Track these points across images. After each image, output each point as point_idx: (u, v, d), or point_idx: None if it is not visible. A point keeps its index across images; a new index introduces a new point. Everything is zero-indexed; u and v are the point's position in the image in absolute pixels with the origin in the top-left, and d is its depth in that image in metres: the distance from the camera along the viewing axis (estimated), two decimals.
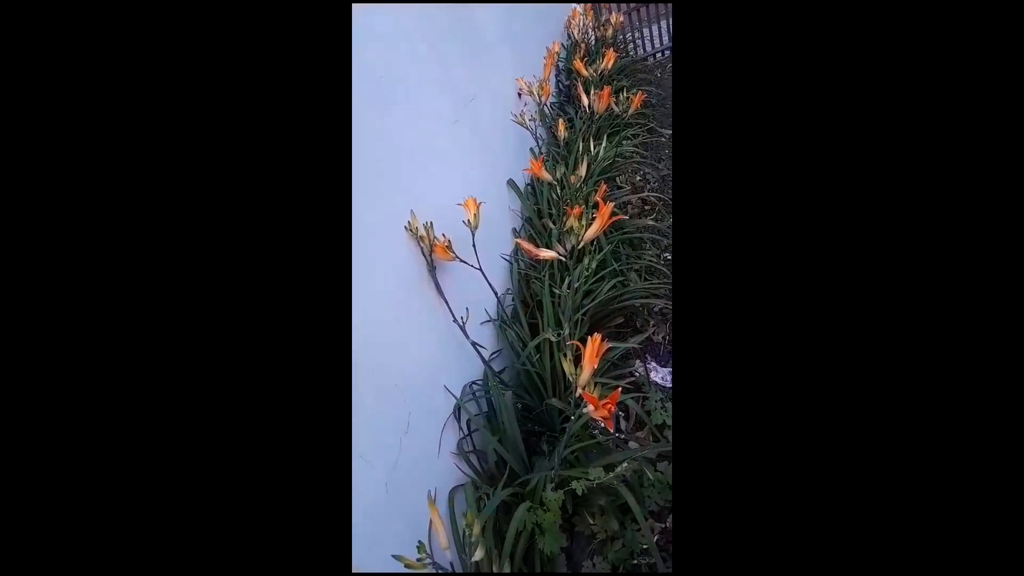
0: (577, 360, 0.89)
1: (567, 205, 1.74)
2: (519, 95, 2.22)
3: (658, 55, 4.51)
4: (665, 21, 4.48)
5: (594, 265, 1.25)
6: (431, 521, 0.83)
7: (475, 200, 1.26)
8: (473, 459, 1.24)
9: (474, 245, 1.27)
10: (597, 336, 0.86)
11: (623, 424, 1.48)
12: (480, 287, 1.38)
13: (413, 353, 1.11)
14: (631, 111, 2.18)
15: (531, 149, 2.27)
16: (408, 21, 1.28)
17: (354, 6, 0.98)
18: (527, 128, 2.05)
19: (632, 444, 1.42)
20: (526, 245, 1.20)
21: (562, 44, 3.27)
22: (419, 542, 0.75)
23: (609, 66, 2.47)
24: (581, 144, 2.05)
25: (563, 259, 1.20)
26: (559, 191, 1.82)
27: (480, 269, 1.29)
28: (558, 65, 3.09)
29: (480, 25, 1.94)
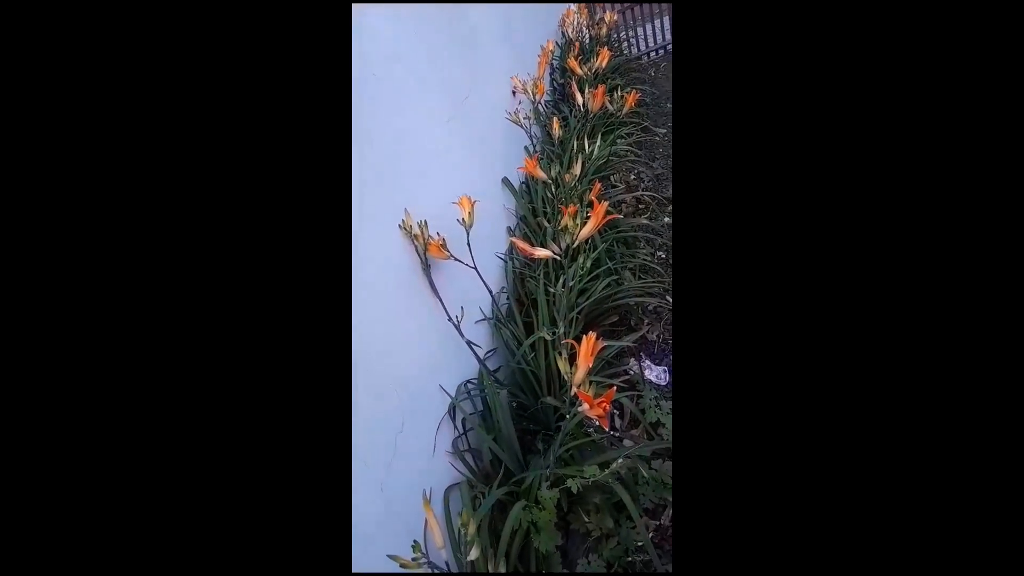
0: (572, 359, 0.89)
1: (562, 204, 1.74)
2: (514, 93, 2.22)
3: (652, 54, 4.52)
4: (659, 20, 4.48)
5: (589, 264, 1.26)
6: (426, 520, 0.83)
7: (469, 198, 1.25)
8: (468, 458, 1.24)
9: (469, 243, 1.26)
10: (592, 335, 0.86)
11: (618, 422, 1.49)
12: (475, 286, 1.38)
13: (408, 352, 1.10)
14: (625, 110, 2.19)
15: (526, 147, 2.27)
16: (403, 20, 1.28)
17: (356, 4, 0.97)
18: (522, 126, 2.05)
19: (627, 442, 1.43)
20: (521, 244, 1.20)
21: (556, 43, 3.27)
22: (414, 541, 0.75)
23: (603, 65, 2.47)
24: (576, 143, 2.05)
25: (558, 258, 1.20)
26: (554, 189, 1.82)
27: (475, 268, 1.29)
28: (552, 64, 3.09)
29: (475, 24, 1.93)
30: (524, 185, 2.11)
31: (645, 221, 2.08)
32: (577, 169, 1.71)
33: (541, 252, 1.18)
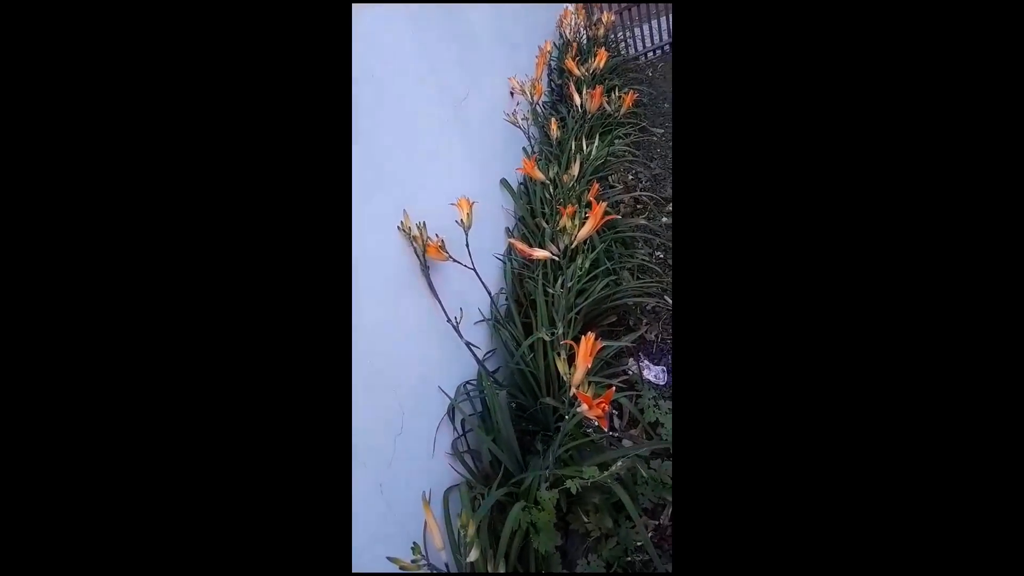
0: (571, 359, 0.89)
1: (560, 204, 1.74)
2: (511, 94, 2.22)
3: (649, 54, 4.53)
4: (656, 21, 4.49)
5: (587, 264, 1.26)
6: (426, 522, 0.83)
7: (468, 200, 1.26)
8: (467, 459, 1.24)
9: (467, 245, 1.27)
10: (591, 335, 0.86)
11: (616, 422, 1.49)
12: (474, 287, 1.38)
13: (407, 353, 1.10)
14: (623, 110, 2.19)
15: (524, 148, 2.27)
16: (402, 21, 1.28)
17: (353, 6, 0.97)
18: (520, 127, 2.05)
19: (626, 442, 1.43)
20: (520, 245, 1.20)
21: (554, 43, 3.27)
22: (414, 543, 0.75)
23: (601, 65, 2.47)
24: (573, 143, 2.05)
25: (556, 258, 1.20)
26: (552, 190, 1.82)
27: (473, 269, 1.29)
28: (550, 64, 3.09)
29: (473, 24, 1.93)
30: (522, 186, 2.12)
31: (643, 221, 2.09)
32: (575, 170, 1.71)
33: (540, 253, 1.18)
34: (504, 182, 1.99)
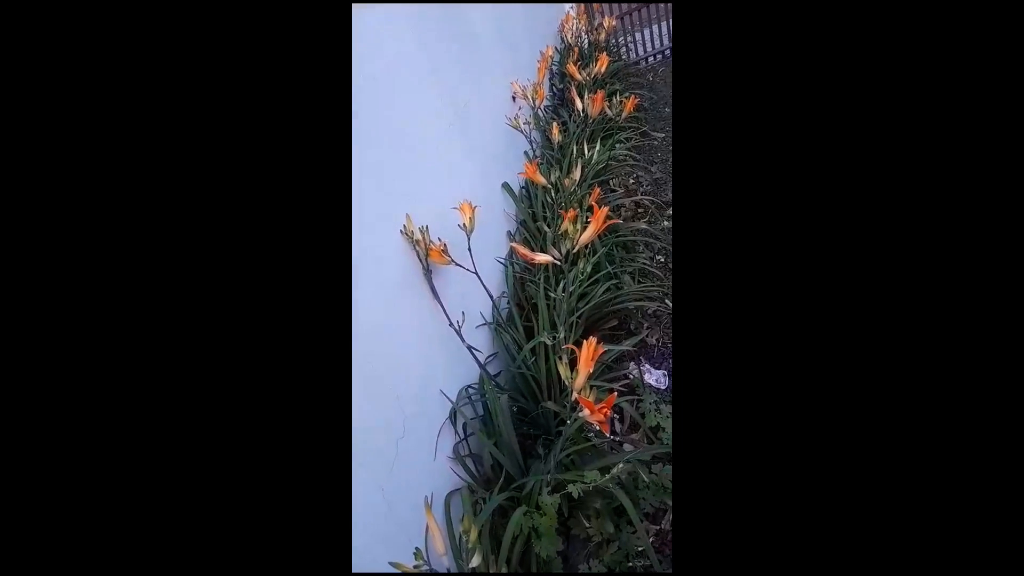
0: (573, 364, 0.89)
1: (562, 208, 1.75)
2: (513, 98, 2.23)
3: (650, 59, 4.54)
4: (657, 25, 4.51)
5: (589, 268, 1.26)
6: (427, 527, 0.83)
7: (470, 204, 1.26)
8: (469, 463, 1.24)
9: (469, 248, 1.27)
10: (593, 340, 0.86)
11: (618, 426, 1.49)
12: (475, 290, 1.39)
13: (409, 357, 1.10)
14: (624, 115, 2.20)
15: (525, 152, 2.28)
16: (402, 22, 1.29)
17: (353, 6, 0.98)
18: (521, 131, 2.06)
19: (627, 446, 1.43)
20: (522, 250, 1.21)
21: (556, 48, 3.28)
22: (416, 548, 0.75)
23: (602, 70, 2.48)
24: (575, 147, 2.06)
25: (558, 263, 1.20)
26: (553, 194, 1.82)
27: (475, 272, 1.29)
28: (551, 69, 3.10)
29: (474, 28, 1.94)
30: (524, 190, 2.12)
31: (644, 225, 2.09)
32: (577, 174, 1.72)
33: (541, 257, 1.18)
34: (506, 186, 1.99)
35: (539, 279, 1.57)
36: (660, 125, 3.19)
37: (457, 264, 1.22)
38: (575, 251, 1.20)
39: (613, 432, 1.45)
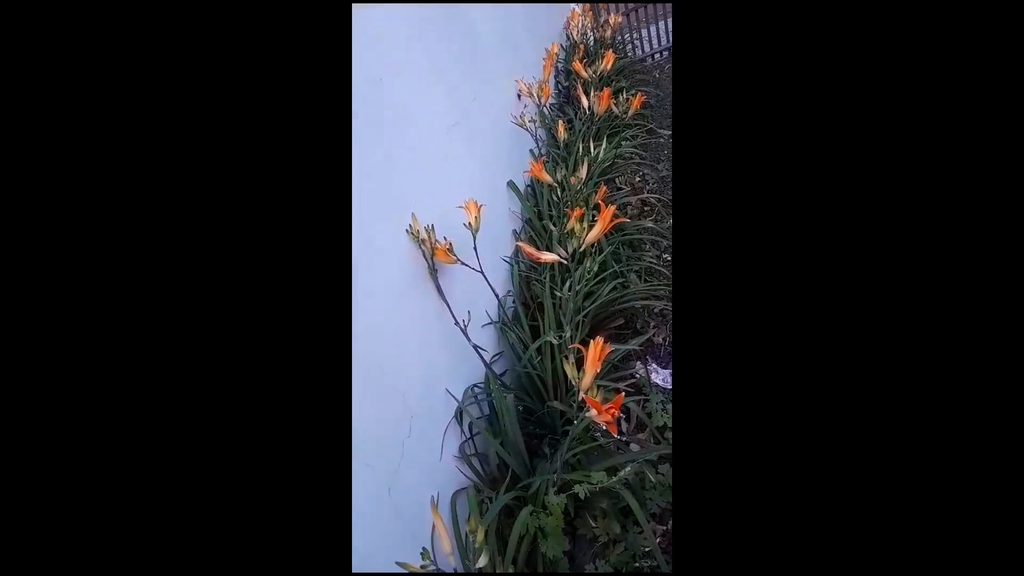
0: (579, 364, 0.88)
1: (568, 207, 1.74)
2: (519, 96, 2.22)
3: (656, 56, 4.51)
4: (663, 22, 4.48)
5: (595, 267, 1.25)
6: (434, 526, 0.83)
7: (476, 202, 1.26)
8: (475, 462, 1.24)
9: (475, 247, 1.27)
10: (599, 339, 0.85)
11: (624, 426, 1.48)
12: (481, 289, 1.38)
13: (414, 357, 1.10)
14: (630, 112, 2.18)
15: (531, 150, 2.27)
16: (405, 22, 1.28)
17: (354, 6, 0.98)
18: (527, 129, 2.05)
19: (633, 446, 1.42)
20: (528, 248, 1.20)
21: (561, 45, 3.27)
22: (423, 548, 0.75)
23: (608, 67, 2.47)
24: (581, 145, 2.05)
25: (564, 262, 1.19)
26: (559, 192, 1.82)
27: (481, 271, 1.29)
28: (557, 66, 3.09)
29: (479, 26, 1.94)
30: (530, 188, 2.12)
31: (650, 224, 2.08)
32: (583, 172, 1.71)
33: (547, 256, 1.18)
34: (511, 184, 1.99)
35: (545, 278, 1.57)
36: (666, 123, 3.17)
37: (463, 263, 1.22)
38: (581, 250, 1.19)
39: (620, 432, 1.44)
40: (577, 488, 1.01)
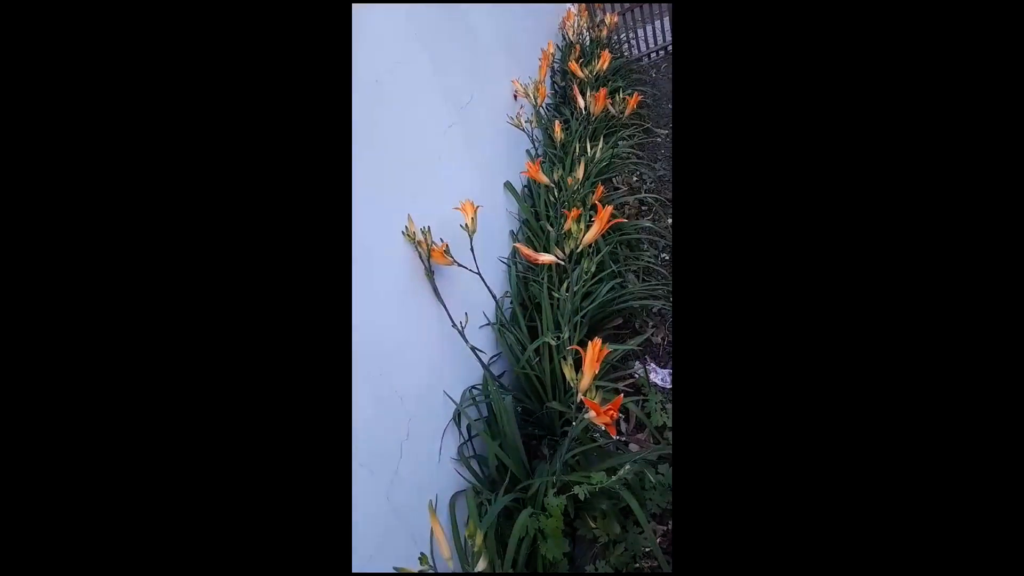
0: (577, 365, 0.88)
1: (565, 207, 1.74)
2: (515, 97, 2.22)
3: (652, 55, 4.52)
4: (659, 21, 4.48)
5: (593, 268, 1.25)
6: (432, 531, 0.82)
7: (472, 204, 1.25)
8: (474, 464, 1.23)
9: (472, 249, 1.26)
10: (598, 340, 0.85)
11: (623, 426, 1.48)
12: (478, 290, 1.38)
13: (412, 359, 1.10)
14: (627, 112, 2.18)
15: (527, 151, 2.26)
16: (402, 22, 1.28)
17: (353, 6, 0.97)
18: (523, 130, 2.05)
19: (633, 446, 1.42)
20: (525, 250, 1.20)
21: (557, 45, 3.26)
22: (421, 554, 0.75)
23: (604, 67, 2.47)
24: (578, 145, 2.04)
25: (562, 263, 1.19)
26: (556, 193, 1.81)
27: (478, 273, 1.29)
28: (553, 67, 3.09)
29: (475, 26, 1.93)
30: (527, 188, 2.11)
31: (648, 223, 2.08)
32: (580, 172, 1.70)
33: (545, 257, 1.17)
34: (508, 185, 1.98)
35: (543, 278, 1.56)
36: (663, 122, 3.17)
37: (460, 264, 1.21)
38: (579, 250, 1.19)
39: (619, 432, 1.44)
40: (577, 489, 1.00)
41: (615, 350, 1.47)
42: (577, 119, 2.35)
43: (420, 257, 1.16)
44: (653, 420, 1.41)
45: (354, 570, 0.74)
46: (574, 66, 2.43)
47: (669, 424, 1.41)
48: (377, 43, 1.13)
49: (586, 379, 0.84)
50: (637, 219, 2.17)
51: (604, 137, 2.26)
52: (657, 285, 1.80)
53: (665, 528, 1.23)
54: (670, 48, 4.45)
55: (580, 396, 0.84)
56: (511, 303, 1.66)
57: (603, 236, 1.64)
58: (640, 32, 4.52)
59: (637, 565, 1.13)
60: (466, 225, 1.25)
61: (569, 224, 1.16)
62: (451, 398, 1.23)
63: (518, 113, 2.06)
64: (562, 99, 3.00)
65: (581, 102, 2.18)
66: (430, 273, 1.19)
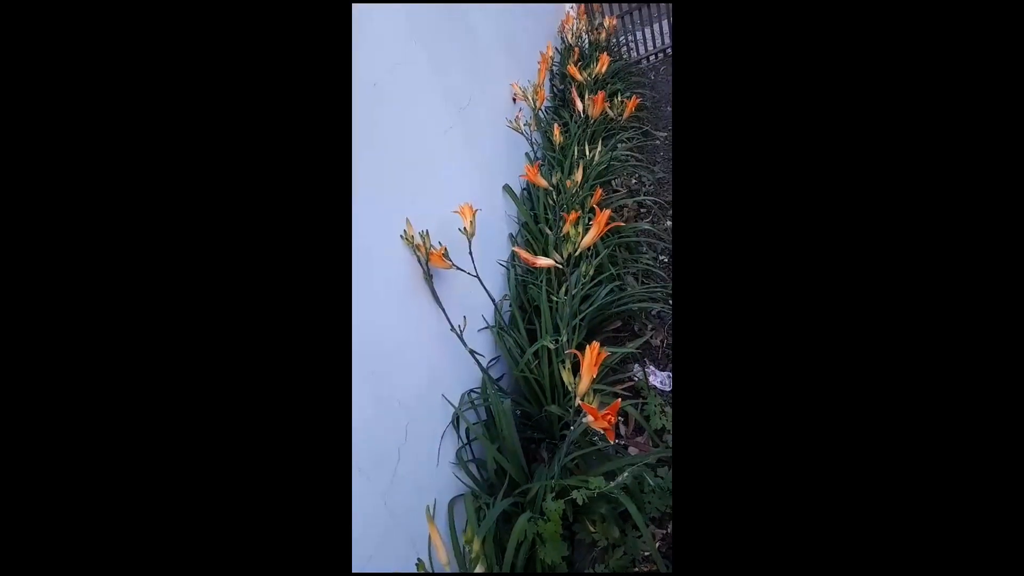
0: (576, 369, 0.88)
1: (564, 210, 1.74)
2: (514, 100, 2.22)
3: (651, 58, 4.53)
4: (658, 24, 4.49)
5: (591, 271, 1.25)
6: (431, 537, 0.82)
7: (471, 207, 1.25)
8: (472, 468, 1.23)
9: (470, 252, 1.26)
10: (596, 344, 0.85)
11: (622, 429, 1.48)
12: (477, 294, 1.38)
13: (410, 363, 1.10)
14: (626, 115, 2.18)
15: (527, 154, 2.27)
16: (402, 22, 1.28)
17: (353, 6, 0.97)
18: (522, 133, 2.05)
19: (632, 449, 1.42)
20: (524, 254, 1.20)
21: (556, 48, 3.27)
22: (418, 560, 0.74)
23: (603, 70, 2.47)
24: (576, 148, 2.05)
25: (560, 267, 1.19)
26: (555, 196, 1.81)
27: (477, 276, 1.29)
28: (552, 70, 3.09)
29: (474, 28, 1.94)
30: (526, 191, 2.11)
31: (647, 226, 2.08)
32: (578, 175, 1.71)
33: (543, 261, 1.17)
34: (507, 188, 1.99)
35: (541, 281, 1.56)
36: (662, 124, 3.18)
37: (458, 268, 1.21)
38: (577, 254, 1.19)
39: (618, 435, 1.44)
40: (576, 494, 1.00)
41: (614, 353, 1.47)
42: (576, 122, 2.35)
43: (418, 260, 1.16)
44: (652, 423, 1.40)
45: (354, 570, 0.74)
46: (573, 69, 2.43)
47: (668, 427, 1.41)
48: (377, 43, 1.13)
49: (584, 383, 0.84)
50: (636, 222, 2.17)
51: (603, 140, 2.26)
52: (656, 288, 1.80)
53: (664, 532, 1.22)
54: (668, 51, 4.46)
55: (578, 401, 0.84)
56: (510, 306, 1.66)
57: (602, 239, 1.64)
58: (639, 35, 4.54)
59: (636, 569, 1.13)
60: (465, 228, 1.25)
61: (567, 228, 1.16)
62: (450, 402, 1.23)
63: (517, 116, 2.06)
64: (561, 102, 3.01)
65: (580, 105, 2.18)
66: (428, 277, 1.19)
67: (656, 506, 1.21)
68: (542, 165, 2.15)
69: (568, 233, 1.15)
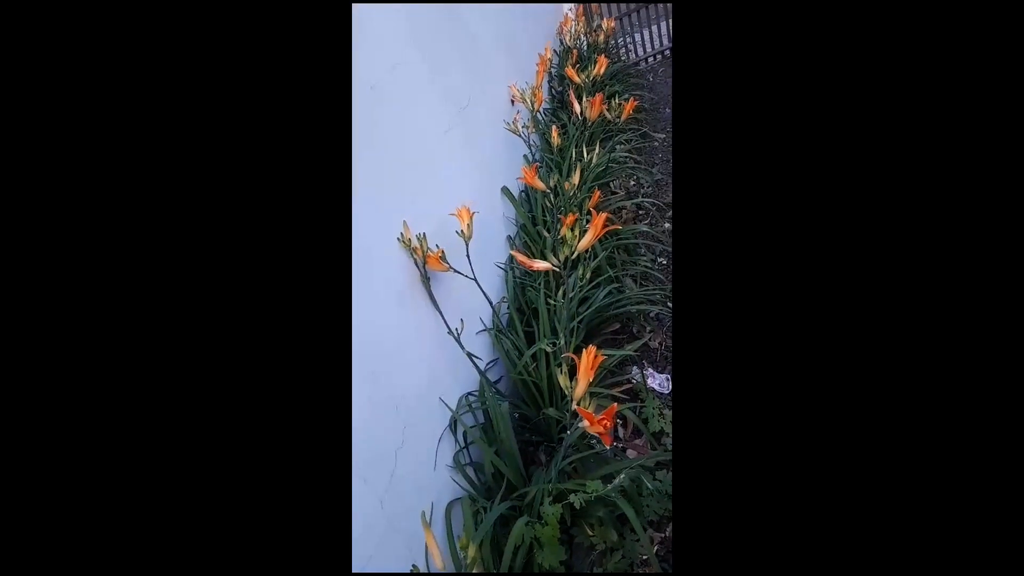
0: (573, 372, 0.88)
1: (561, 213, 1.73)
2: (512, 102, 2.22)
3: (650, 59, 4.53)
4: (656, 26, 4.50)
5: (588, 274, 1.25)
6: (427, 544, 0.81)
7: (468, 209, 1.25)
8: (470, 472, 1.22)
9: (468, 254, 1.26)
10: (592, 348, 0.85)
11: (620, 432, 1.48)
12: (475, 296, 1.38)
13: (407, 365, 1.09)
14: (624, 117, 2.19)
15: (524, 156, 2.27)
16: (402, 23, 1.28)
17: (353, 6, 0.97)
18: (520, 135, 2.05)
19: (630, 452, 1.41)
20: (521, 257, 1.19)
21: (554, 50, 3.27)
22: (413, 565, 0.74)
23: (601, 72, 2.47)
24: (574, 151, 2.05)
25: (557, 270, 1.19)
26: (553, 198, 1.81)
27: (474, 279, 1.28)
28: (550, 72, 3.10)
29: (473, 30, 1.94)
30: (524, 194, 2.11)
31: (645, 228, 2.08)
32: (576, 178, 1.70)
33: (541, 264, 1.17)
34: (505, 190, 1.99)
35: (539, 284, 1.56)
36: (660, 126, 3.18)
37: (456, 271, 1.21)
38: (574, 257, 1.19)
39: (616, 438, 1.43)
40: (573, 498, 1.00)
41: (612, 355, 1.46)
42: (574, 124, 2.35)
43: (415, 263, 1.16)
44: (650, 426, 1.40)
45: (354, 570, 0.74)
46: (571, 71, 2.43)
47: (667, 430, 1.40)
48: (377, 43, 1.13)
49: (580, 388, 0.84)
50: (634, 223, 2.17)
51: (601, 142, 2.26)
52: (654, 290, 1.80)
53: (663, 535, 1.22)
54: (667, 52, 4.46)
55: (574, 405, 0.84)
56: (508, 308, 1.66)
57: (600, 241, 1.64)
58: (637, 36, 4.54)
59: (634, 573, 1.12)
60: (462, 231, 1.25)
61: (565, 230, 1.16)
62: (447, 405, 1.22)
63: (515, 118, 2.06)
64: (559, 104, 3.01)
65: (578, 107, 2.18)
66: (426, 279, 1.19)
67: (654, 509, 1.21)
68: (540, 167, 2.15)
69: (565, 236, 1.15)
